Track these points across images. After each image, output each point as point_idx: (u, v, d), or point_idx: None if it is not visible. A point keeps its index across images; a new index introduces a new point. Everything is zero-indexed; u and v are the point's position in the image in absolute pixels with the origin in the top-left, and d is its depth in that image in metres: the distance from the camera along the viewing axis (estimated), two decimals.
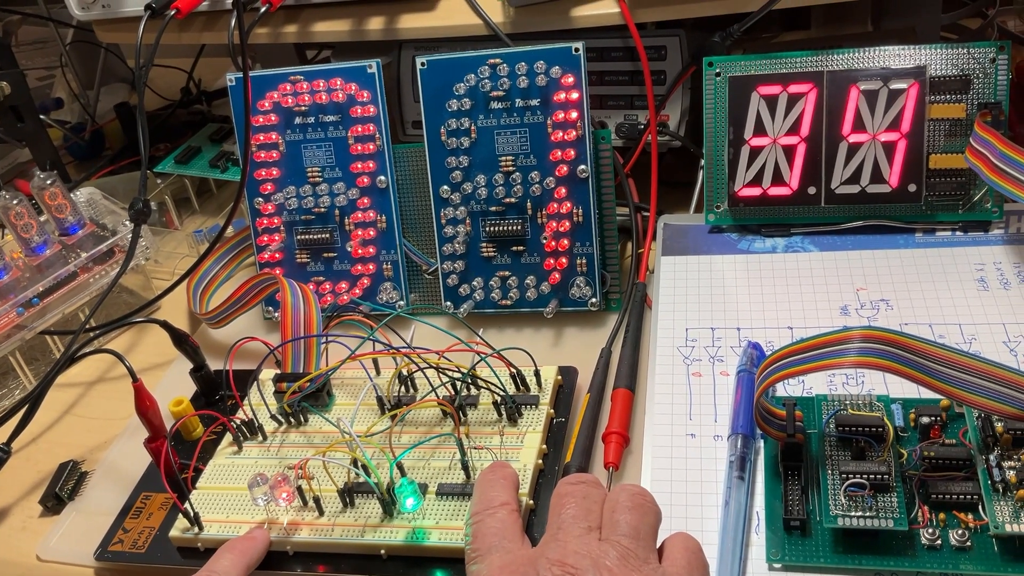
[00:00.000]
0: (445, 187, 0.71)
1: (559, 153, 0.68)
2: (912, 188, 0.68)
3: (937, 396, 0.49)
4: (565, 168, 0.68)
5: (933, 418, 0.53)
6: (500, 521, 0.47)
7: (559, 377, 0.63)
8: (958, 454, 0.51)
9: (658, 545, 0.45)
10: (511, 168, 0.70)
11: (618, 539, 0.43)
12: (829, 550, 0.49)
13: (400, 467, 0.55)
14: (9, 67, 0.94)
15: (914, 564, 0.48)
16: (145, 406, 0.61)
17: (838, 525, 0.48)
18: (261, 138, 0.75)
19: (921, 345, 0.47)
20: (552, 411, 0.61)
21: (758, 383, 0.51)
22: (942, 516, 0.49)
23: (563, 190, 0.69)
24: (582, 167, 0.68)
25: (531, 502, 0.55)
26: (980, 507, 0.49)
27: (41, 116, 1.01)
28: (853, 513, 0.49)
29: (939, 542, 0.48)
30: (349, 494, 0.56)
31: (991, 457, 0.50)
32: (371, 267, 0.75)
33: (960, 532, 0.48)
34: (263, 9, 0.77)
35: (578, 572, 0.41)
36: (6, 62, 0.94)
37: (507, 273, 0.71)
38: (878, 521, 0.48)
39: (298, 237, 0.76)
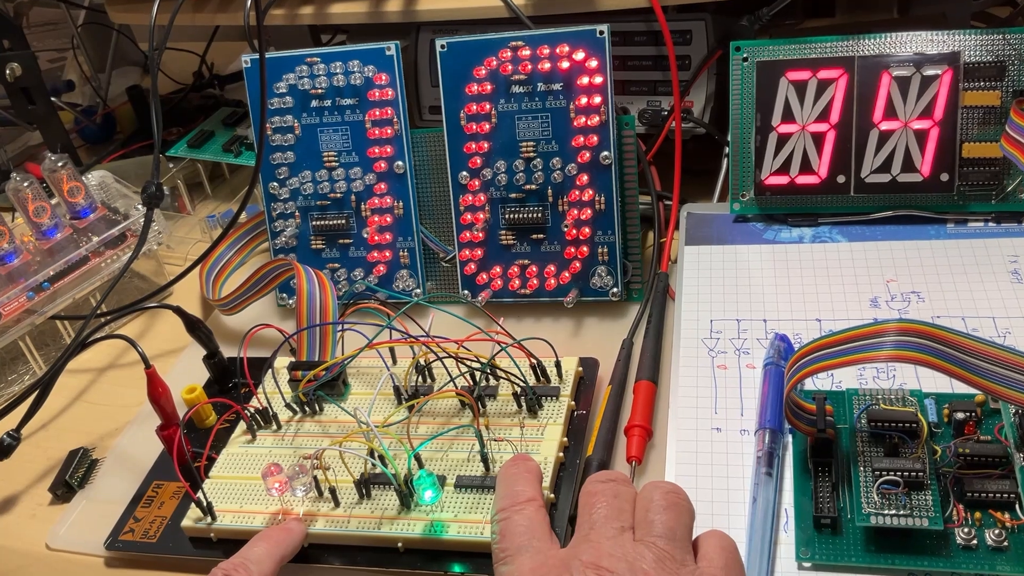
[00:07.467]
0: (464, 173, 0.70)
1: (581, 139, 0.67)
2: (944, 177, 0.66)
3: (971, 391, 0.48)
4: (588, 154, 0.67)
5: (968, 414, 0.52)
6: (528, 519, 0.45)
7: (580, 368, 0.61)
8: (994, 451, 0.49)
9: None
10: (532, 154, 0.68)
11: (653, 540, 0.42)
12: (861, 549, 0.48)
13: (418, 458, 0.54)
14: (20, 48, 0.93)
15: (949, 564, 0.47)
16: (158, 393, 0.60)
17: (871, 523, 0.47)
18: (276, 121, 0.74)
19: (958, 338, 0.45)
20: (573, 403, 0.59)
21: (789, 376, 0.50)
22: (978, 515, 0.48)
23: (585, 177, 0.67)
24: (605, 153, 0.66)
25: (552, 496, 0.53)
26: (1017, 506, 0.48)
27: (52, 99, 1.00)
28: (886, 511, 0.47)
29: (975, 542, 0.47)
30: (366, 485, 0.55)
31: None
32: (387, 254, 0.73)
33: (997, 532, 0.47)
34: None
35: (614, 575, 0.40)
36: (17, 43, 0.93)
37: (526, 261, 0.70)
38: (912, 520, 0.47)
39: (313, 223, 0.74)
